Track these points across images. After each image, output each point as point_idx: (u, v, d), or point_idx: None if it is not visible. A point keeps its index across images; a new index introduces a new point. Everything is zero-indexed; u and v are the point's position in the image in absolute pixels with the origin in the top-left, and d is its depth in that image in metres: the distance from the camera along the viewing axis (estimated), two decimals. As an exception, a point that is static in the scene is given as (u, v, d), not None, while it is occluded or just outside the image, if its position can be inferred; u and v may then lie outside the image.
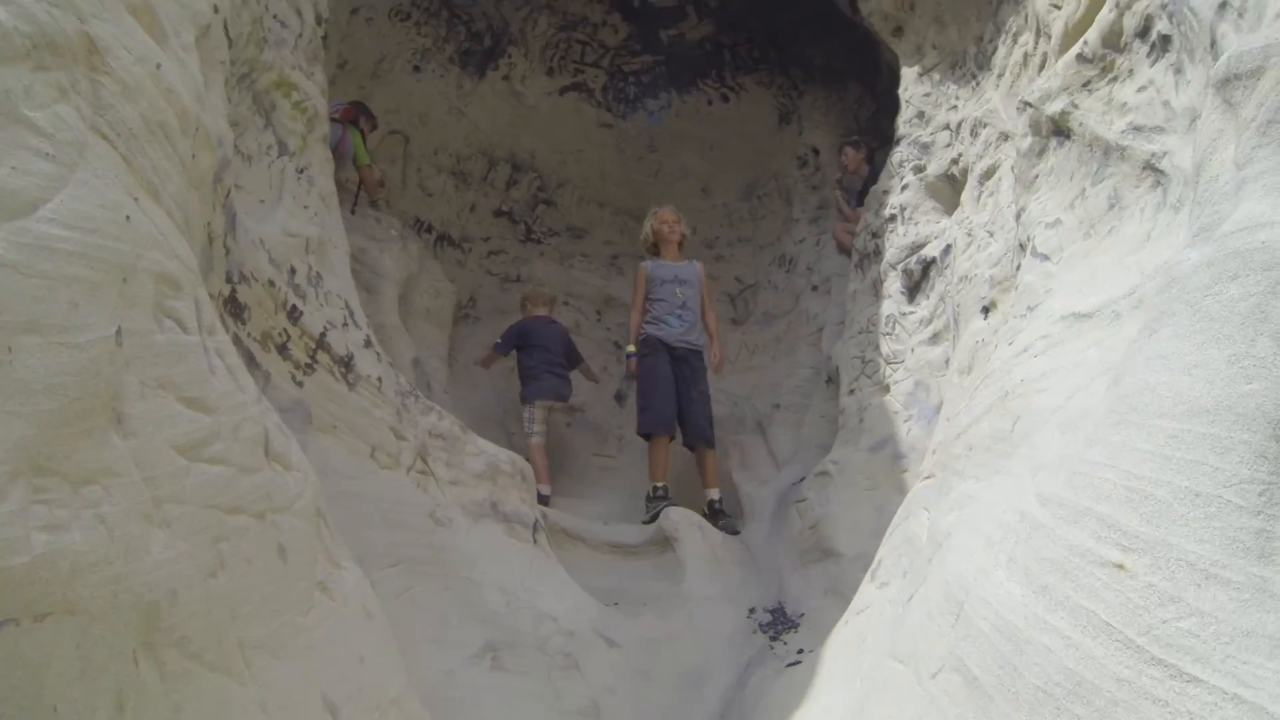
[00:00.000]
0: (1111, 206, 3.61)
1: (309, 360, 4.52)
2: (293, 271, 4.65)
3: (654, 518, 6.80)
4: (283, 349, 4.38)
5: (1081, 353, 3.40)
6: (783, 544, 6.64)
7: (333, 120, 7.52)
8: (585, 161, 10.67)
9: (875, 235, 7.40)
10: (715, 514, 7.12)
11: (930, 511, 3.83)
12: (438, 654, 4.05)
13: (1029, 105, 4.47)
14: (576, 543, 6.37)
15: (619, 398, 9.23)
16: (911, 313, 6.64)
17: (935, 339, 6.29)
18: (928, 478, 4.07)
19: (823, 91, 10.19)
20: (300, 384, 4.42)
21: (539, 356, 8.16)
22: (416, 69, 9.48)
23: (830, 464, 6.55)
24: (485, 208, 10.14)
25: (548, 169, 10.51)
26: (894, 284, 6.89)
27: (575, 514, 6.95)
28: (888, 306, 6.91)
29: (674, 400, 7.48)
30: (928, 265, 6.58)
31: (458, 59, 9.73)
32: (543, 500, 7.05)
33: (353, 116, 8.15)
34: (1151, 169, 3.41)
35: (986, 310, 5.12)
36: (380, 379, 4.94)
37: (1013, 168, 4.92)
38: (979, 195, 5.79)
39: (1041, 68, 4.79)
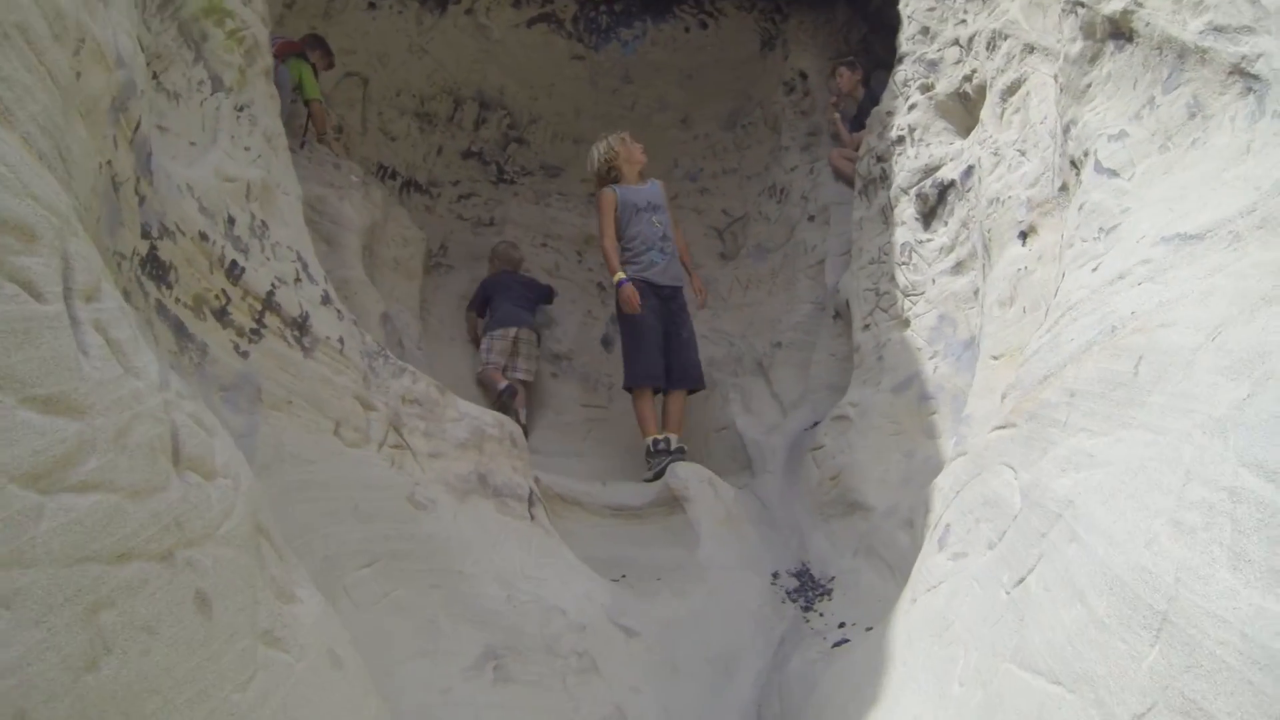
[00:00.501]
0: (1192, 116, 3.05)
1: (255, 324, 3.73)
2: (231, 221, 3.84)
3: (658, 475, 6.08)
4: (222, 314, 3.59)
5: (1204, 279, 2.62)
6: (800, 497, 5.95)
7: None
8: (557, 96, 9.82)
9: (881, 159, 6.68)
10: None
11: (1020, 470, 3.07)
12: (430, 669, 3.29)
13: (1080, 5, 3.85)
14: (573, 508, 5.63)
15: (606, 342, 8.46)
16: (929, 240, 5.94)
17: (959, 268, 5.65)
18: (1002, 427, 3.31)
19: (809, 14, 9.43)
20: (245, 354, 3.64)
21: (501, 300, 7.67)
22: (372, 5, 8.65)
23: (848, 406, 5.83)
24: (453, 149, 9.30)
25: (518, 106, 9.66)
26: (907, 210, 6.17)
27: (568, 474, 6.22)
28: (901, 234, 6.18)
29: (662, 349, 6.77)
30: (944, 189, 5.91)
31: (416, -9, 8.85)
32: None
33: (296, 49, 7.29)
34: (1240, 73, 2.85)
35: (1025, 235, 4.60)
36: (342, 340, 4.16)
37: (1055, 76, 4.30)
38: (1002, 112, 5.21)
39: (1069, -29, 4.39)
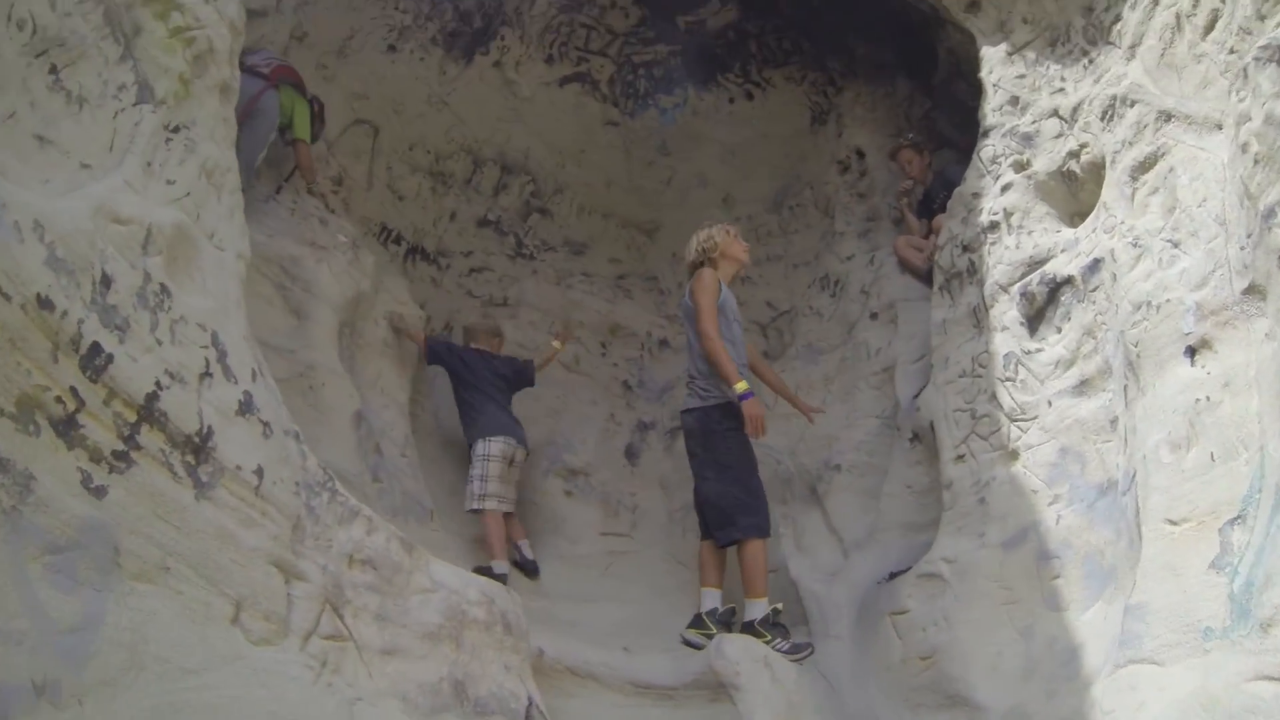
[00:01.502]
0: None
1: (123, 444, 2.31)
2: (105, 283, 2.43)
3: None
4: (67, 426, 2.17)
5: None
6: (875, 673, 4.53)
7: (255, 74, 5.34)
8: (587, 165, 8.45)
9: (968, 249, 5.40)
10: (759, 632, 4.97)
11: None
12: None
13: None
14: (587, 683, 4.23)
15: (631, 454, 7.04)
16: (1038, 350, 4.76)
17: (1084, 389, 4.42)
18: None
19: (866, 87, 8.03)
20: (101, 491, 2.20)
21: (480, 397, 6.18)
22: (392, 49, 7.29)
23: (941, 563, 4.45)
24: (468, 216, 7.92)
25: (543, 172, 8.28)
26: (1007, 312, 4.92)
27: (580, 629, 4.77)
28: (1003, 342, 4.85)
29: None
30: (1057, 287, 4.70)
31: (442, 40, 7.51)
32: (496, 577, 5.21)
33: (295, 79, 5.93)
34: None
35: (1193, 352, 3.51)
36: (261, 471, 2.76)
37: (1244, 146, 3.34)
38: (1133, 193, 4.19)
39: (1209, 29, 3.87)
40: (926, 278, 6.33)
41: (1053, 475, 4.30)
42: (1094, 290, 4.39)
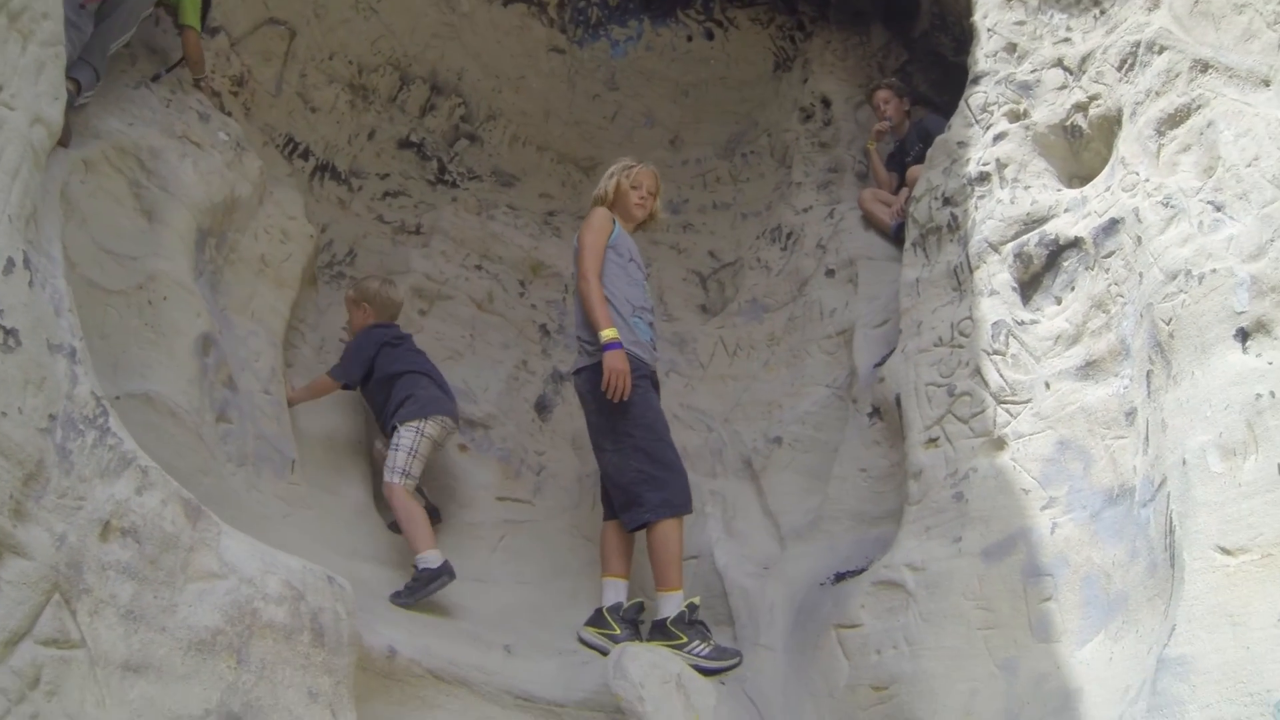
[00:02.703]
0: None
1: None
2: None
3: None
4: None
5: None
6: (815, 699, 3.59)
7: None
8: (526, 92, 7.29)
9: (950, 202, 4.45)
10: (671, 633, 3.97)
11: None
12: None
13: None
14: (456, 691, 3.17)
15: (542, 408, 5.98)
16: (1033, 321, 3.81)
17: (1091, 371, 3.48)
18: None
19: (838, 33, 7.05)
20: None
21: (413, 374, 4.92)
22: (318, -60, 6.11)
23: (905, 569, 3.53)
24: (388, 135, 6.74)
25: (477, 96, 7.10)
26: (997, 274, 4.14)
27: (458, 619, 3.73)
28: (990, 309, 3.93)
29: None
30: (1059, 250, 3.80)
31: (375, -61, 6.37)
32: (432, 577, 4.09)
33: None
34: None
35: (1246, 335, 2.76)
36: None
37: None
38: (1158, 148, 3.43)
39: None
40: (893, 236, 5.38)
41: (1048, 473, 3.35)
42: (1108, 256, 3.49)
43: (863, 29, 7.00)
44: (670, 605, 3.98)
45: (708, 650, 3.87)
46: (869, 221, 5.59)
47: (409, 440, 4.57)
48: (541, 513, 5.22)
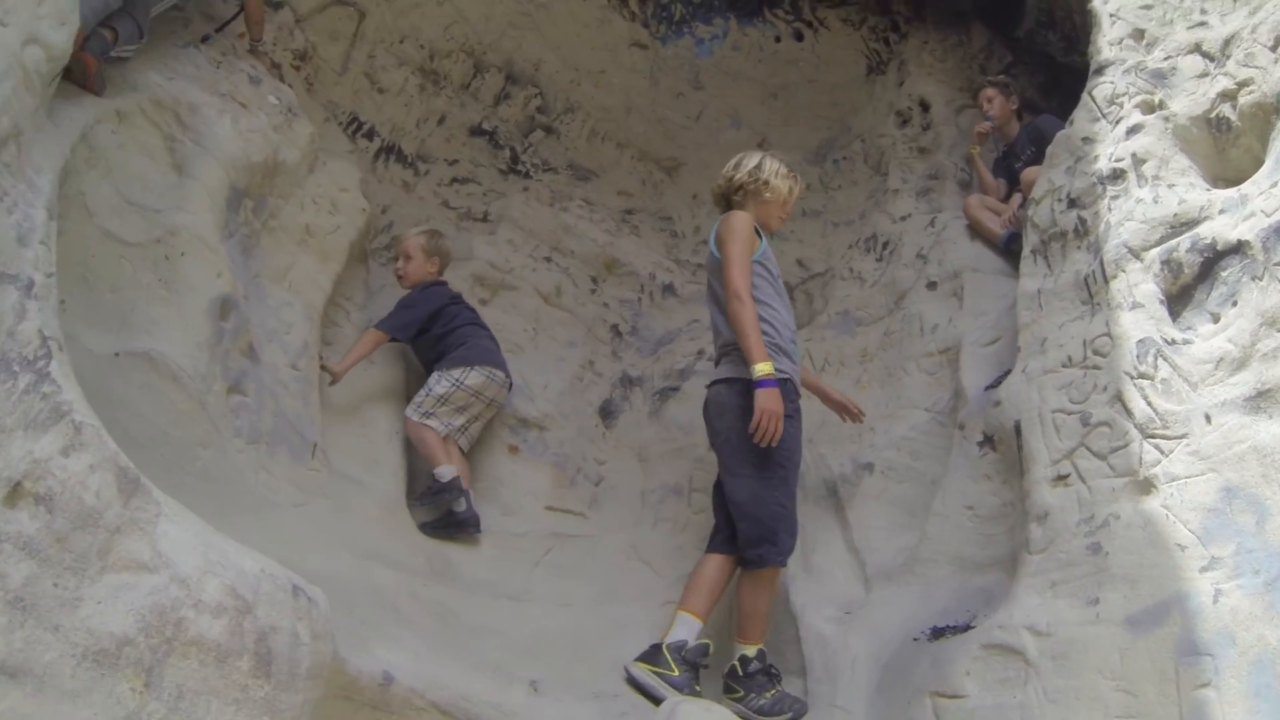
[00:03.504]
0: None
1: None
2: None
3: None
4: None
5: None
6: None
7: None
8: (606, 86, 6.70)
9: (1076, 204, 3.77)
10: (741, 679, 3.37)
11: None
12: None
13: None
14: (462, 735, 2.49)
15: (607, 413, 5.36)
16: (1186, 342, 3.02)
17: (1264, 403, 2.71)
18: None
19: (935, 33, 6.40)
20: None
21: (464, 327, 4.67)
22: (390, -78, 5.64)
23: (1025, 633, 2.81)
24: (459, 122, 6.20)
25: (554, 88, 6.53)
26: (1140, 285, 3.28)
27: (483, 642, 3.10)
28: (1133, 324, 3.23)
29: None
30: (1215, 258, 3.06)
31: (451, -81, 5.86)
32: (457, 522, 4.16)
33: None
34: None
35: None
36: None
37: None
38: None
39: None
40: (1004, 247, 4.69)
41: (1210, 527, 2.61)
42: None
43: (962, 29, 6.35)
44: (747, 657, 3.39)
45: (765, 703, 3.23)
46: (975, 231, 4.88)
47: (442, 387, 4.36)
48: (596, 527, 4.56)
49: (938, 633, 3.14)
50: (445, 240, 4.96)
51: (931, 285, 4.70)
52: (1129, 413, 2.98)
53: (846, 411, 4.18)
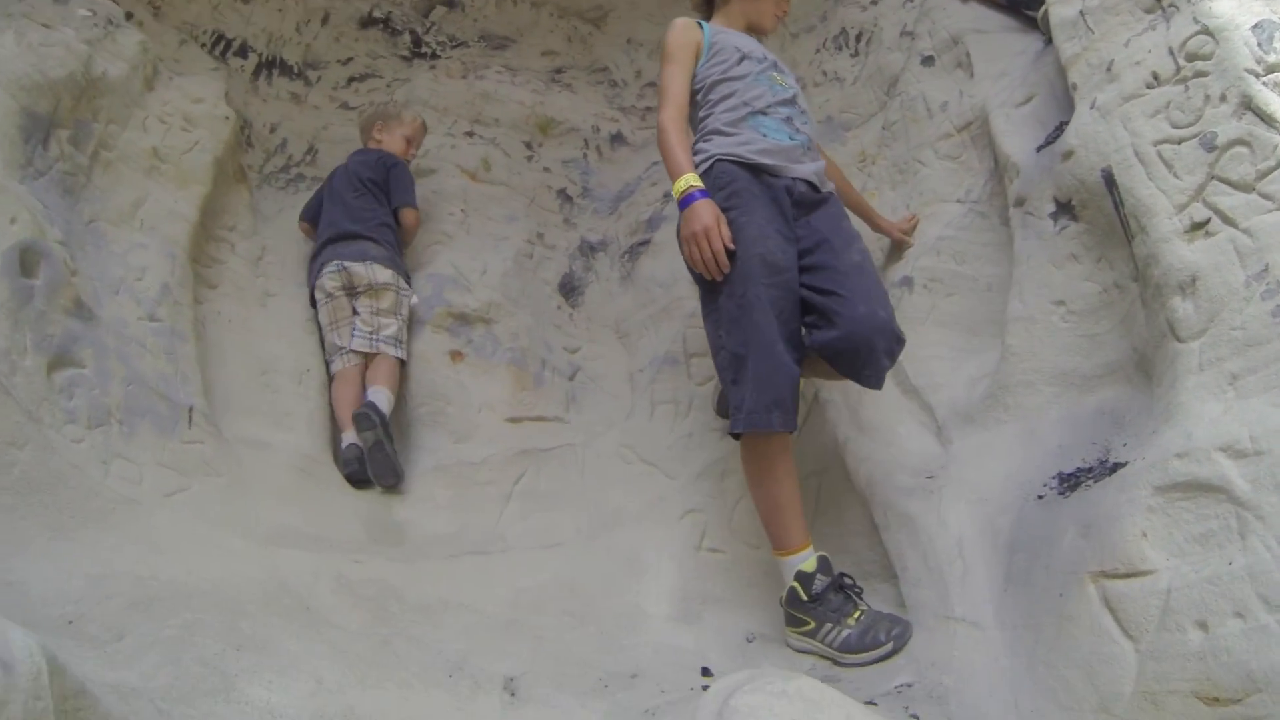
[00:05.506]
0: None
1: None
2: None
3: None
4: None
5: None
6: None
7: None
8: (507, -56, 5.53)
9: None
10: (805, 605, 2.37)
11: None
12: None
13: None
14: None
15: (570, 289, 4.30)
16: None
17: None
18: None
19: None
20: None
21: (330, 202, 3.86)
22: None
23: (1219, 455, 1.77)
24: (346, 16, 5.00)
25: (449, -44, 5.37)
26: None
27: (435, 632, 2.11)
28: (1239, 7, 2.12)
29: (798, 319, 2.56)
30: None
31: None
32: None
33: None
34: None
35: None
36: None
37: None
38: None
39: None
40: (1005, 1, 3.57)
41: None
42: None
43: None
44: (789, 572, 2.41)
45: (849, 633, 2.28)
46: (972, -13, 3.76)
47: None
48: (579, 432, 3.52)
49: (1069, 481, 2.07)
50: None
51: (928, 60, 3.58)
52: (1269, 119, 1.93)
53: (897, 236, 3.20)
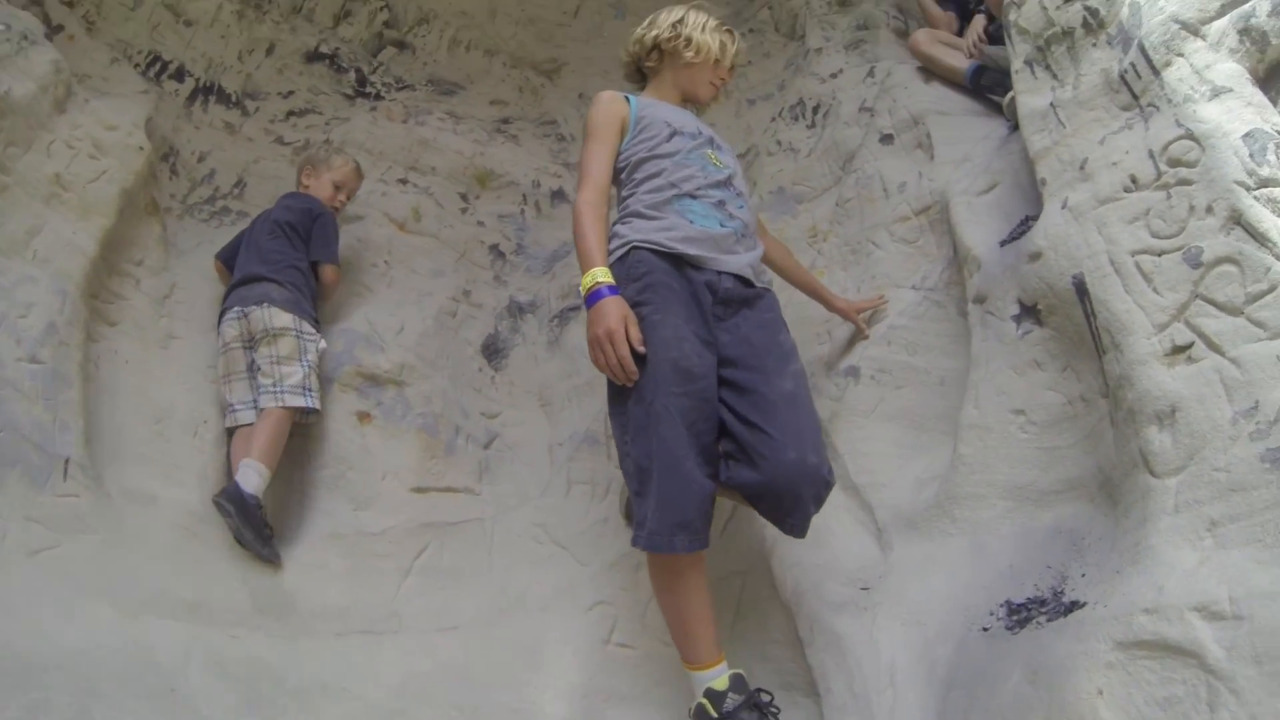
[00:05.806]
0: None
1: None
2: None
3: None
4: None
5: None
6: None
7: None
8: (465, -11, 5.38)
9: None
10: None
11: None
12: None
13: None
14: None
15: (493, 351, 4.11)
16: None
17: None
18: None
19: None
20: None
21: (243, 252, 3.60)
22: None
23: (1192, 616, 1.54)
24: (292, 48, 4.82)
25: (402, -1, 5.21)
26: (1218, 64, 2.07)
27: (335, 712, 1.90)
28: (1229, 114, 2.02)
29: (713, 431, 2.30)
30: None
31: None
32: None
33: None
34: None
35: None
36: None
37: None
38: None
39: None
40: (969, 83, 3.53)
41: None
42: None
43: None
44: (698, 688, 2.19)
45: None
46: (930, 70, 3.68)
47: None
48: (489, 506, 3.30)
49: (1019, 614, 1.88)
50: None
51: (886, 139, 3.48)
52: (1260, 238, 1.82)
53: (854, 319, 3.02)
